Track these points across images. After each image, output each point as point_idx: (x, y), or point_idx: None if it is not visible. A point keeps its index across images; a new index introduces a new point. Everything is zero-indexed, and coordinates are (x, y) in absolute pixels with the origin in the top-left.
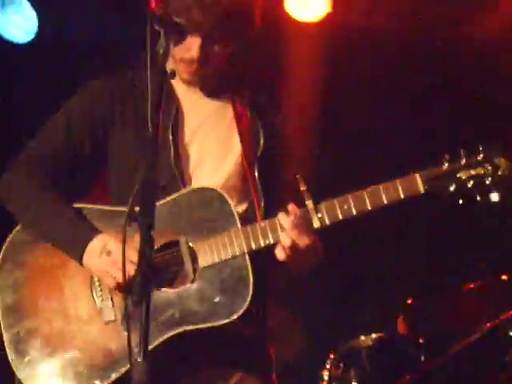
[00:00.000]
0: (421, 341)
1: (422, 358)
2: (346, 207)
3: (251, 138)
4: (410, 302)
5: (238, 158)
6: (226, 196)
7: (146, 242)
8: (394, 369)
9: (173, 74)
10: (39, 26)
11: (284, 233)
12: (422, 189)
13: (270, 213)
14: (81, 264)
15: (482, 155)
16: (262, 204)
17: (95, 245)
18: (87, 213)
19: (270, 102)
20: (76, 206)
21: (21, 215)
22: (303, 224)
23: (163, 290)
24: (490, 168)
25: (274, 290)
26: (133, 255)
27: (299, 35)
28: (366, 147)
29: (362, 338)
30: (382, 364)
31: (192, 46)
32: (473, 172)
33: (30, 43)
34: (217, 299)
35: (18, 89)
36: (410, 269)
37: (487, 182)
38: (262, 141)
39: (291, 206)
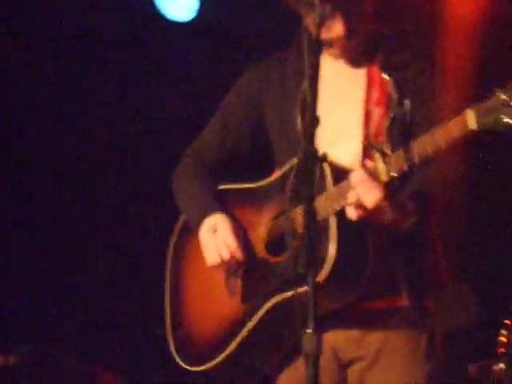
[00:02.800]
0: None
1: None
2: (411, 156)
3: (385, 101)
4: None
5: (375, 124)
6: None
7: (309, 213)
8: None
9: (329, 43)
10: (200, 5)
11: (351, 190)
12: (474, 124)
13: None
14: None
15: None
16: None
17: (208, 221)
18: (229, 193)
19: (412, 63)
20: (221, 187)
21: (177, 201)
22: (368, 179)
23: (273, 259)
24: None
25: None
26: (230, 240)
27: None
28: None
29: None
30: None
31: (334, 25)
32: None
33: (190, 22)
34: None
35: (176, 67)
36: None
37: None
38: (395, 103)
39: (366, 161)
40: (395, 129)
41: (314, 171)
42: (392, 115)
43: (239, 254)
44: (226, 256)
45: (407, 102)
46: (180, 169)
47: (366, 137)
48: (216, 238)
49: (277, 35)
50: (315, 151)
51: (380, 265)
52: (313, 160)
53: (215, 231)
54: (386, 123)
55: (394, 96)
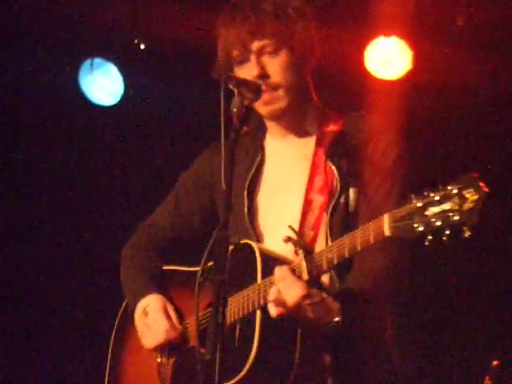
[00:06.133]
0: None
1: None
2: (330, 256)
3: (328, 190)
4: (496, 363)
5: (315, 213)
6: (256, 248)
7: (218, 298)
8: None
9: (247, 133)
10: (125, 90)
11: (273, 287)
12: (387, 231)
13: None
14: None
15: (451, 188)
16: None
17: (140, 304)
18: (172, 274)
19: (349, 155)
20: (165, 268)
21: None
22: (290, 276)
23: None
24: (458, 202)
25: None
26: (162, 321)
27: (379, 92)
28: None
29: None
30: None
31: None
32: (442, 208)
33: (115, 106)
34: (226, 359)
35: (101, 149)
36: (496, 327)
37: (455, 218)
38: (337, 193)
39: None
40: (336, 219)
41: (225, 257)
42: (333, 205)
43: (172, 335)
44: (160, 337)
45: (351, 192)
46: (129, 246)
47: (299, 229)
48: (148, 321)
49: (202, 119)
50: (227, 237)
51: (309, 362)
52: (225, 246)
53: (147, 314)
54: (326, 213)
55: (337, 186)
